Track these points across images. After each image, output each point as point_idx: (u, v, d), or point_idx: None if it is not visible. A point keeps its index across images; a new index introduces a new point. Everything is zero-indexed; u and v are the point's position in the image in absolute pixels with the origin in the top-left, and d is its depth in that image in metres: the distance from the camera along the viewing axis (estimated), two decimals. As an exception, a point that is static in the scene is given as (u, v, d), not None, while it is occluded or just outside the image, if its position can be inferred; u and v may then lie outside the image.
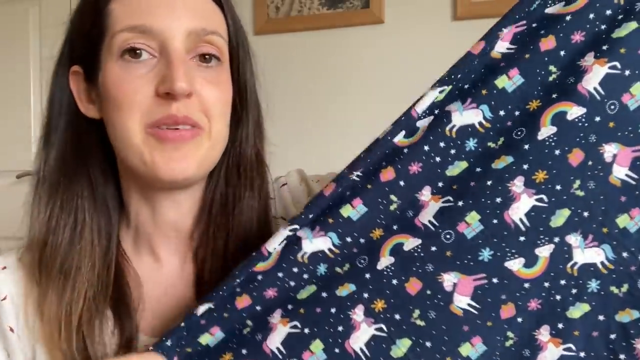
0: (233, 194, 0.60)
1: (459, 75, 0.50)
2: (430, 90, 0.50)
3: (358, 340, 0.46)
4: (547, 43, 0.47)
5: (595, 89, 0.45)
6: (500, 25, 0.50)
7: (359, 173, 0.49)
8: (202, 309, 0.49)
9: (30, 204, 0.60)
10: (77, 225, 0.57)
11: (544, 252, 0.45)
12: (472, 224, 0.46)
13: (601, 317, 0.45)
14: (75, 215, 0.57)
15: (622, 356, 0.44)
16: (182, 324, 0.49)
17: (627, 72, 0.44)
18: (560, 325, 0.45)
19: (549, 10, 0.48)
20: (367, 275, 0.47)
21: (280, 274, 0.49)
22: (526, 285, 0.45)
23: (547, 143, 0.45)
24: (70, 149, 0.58)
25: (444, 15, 1.51)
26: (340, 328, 0.46)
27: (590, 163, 0.45)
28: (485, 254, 0.46)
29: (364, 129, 1.70)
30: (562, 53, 0.47)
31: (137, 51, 0.52)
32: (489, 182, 0.46)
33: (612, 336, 0.45)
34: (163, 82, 0.51)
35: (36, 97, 1.86)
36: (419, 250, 0.47)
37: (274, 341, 0.47)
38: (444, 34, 1.51)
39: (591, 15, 0.46)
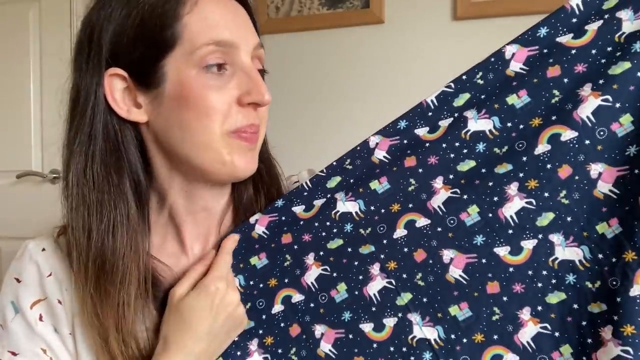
0: (260, 187, 0.69)
1: (474, 82, 0.59)
2: (443, 86, 0.60)
3: (372, 288, 0.60)
4: (554, 71, 0.56)
5: (587, 117, 0.53)
6: (506, 44, 0.58)
7: (386, 154, 0.62)
8: (258, 231, 0.64)
9: (73, 209, 0.60)
10: (129, 229, 0.60)
11: (528, 244, 0.55)
12: (472, 214, 0.57)
13: (575, 306, 0.53)
14: (126, 220, 0.60)
15: (589, 340, 0.52)
16: (239, 235, 0.64)
17: (617, 105, 0.53)
18: (539, 308, 0.54)
19: (559, 39, 0.56)
20: (385, 241, 0.60)
21: (316, 224, 0.63)
22: (511, 269, 0.56)
23: (542, 158, 0.55)
24: (112, 152, 0.60)
25: (444, 15, 1.51)
26: (360, 277, 0.60)
27: (577, 177, 0.54)
28: (479, 239, 0.57)
29: (363, 129, 1.70)
30: (565, 80, 0.55)
31: (223, 66, 0.58)
32: (490, 183, 0.57)
33: (583, 323, 0.53)
34: (249, 93, 0.59)
35: (36, 97, 1.86)
36: (427, 228, 0.59)
37: (310, 277, 0.62)
38: (444, 34, 1.51)
39: (594, 51, 0.54)
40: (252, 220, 0.65)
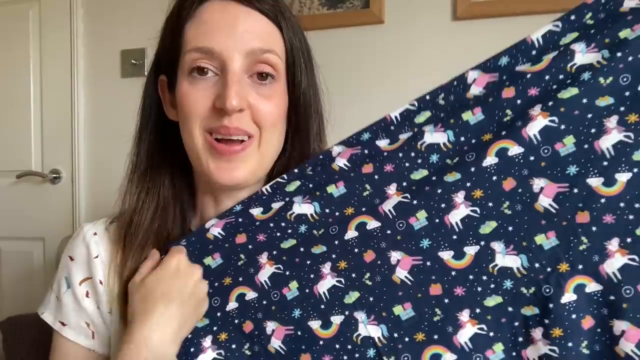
0: None
1: (435, 102, 0.62)
2: (407, 104, 0.64)
3: (323, 286, 0.62)
4: (509, 92, 0.59)
5: (534, 135, 0.57)
6: (469, 69, 0.62)
7: (346, 163, 0.64)
8: (213, 232, 0.65)
9: (125, 186, 0.71)
10: (158, 209, 0.68)
11: (471, 250, 0.59)
12: (420, 219, 0.60)
13: (510, 309, 0.58)
14: (157, 201, 0.69)
15: (520, 339, 0.57)
16: (194, 237, 0.66)
17: (562, 127, 0.57)
18: (477, 310, 0.58)
19: (519, 68, 0.60)
20: (336, 242, 0.62)
21: (271, 224, 0.64)
22: (453, 273, 0.59)
23: (489, 170, 0.58)
24: (157, 144, 0.71)
25: (444, 15, 1.51)
26: (312, 275, 0.62)
27: (520, 190, 0.58)
28: (425, 243, 0.60)
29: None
30: (518, 101, 0.59)
31: (204, 69, 0.62)
32: (439, 190, 0.60)
33: (516, 324, 0.57)
34: (219, 98, 0.61)
35: (36, 98, 1.86)
36: (377, 230, 0.62)
37: (263, 275, 0.64)
38: (444, 34, 1.51)
39: (547, 77, 0.58)
40: (207, 224, 0.66)
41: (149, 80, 0.72)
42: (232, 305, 0.64)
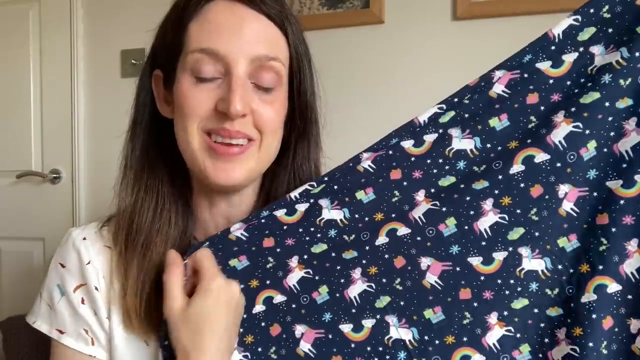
0: (283, 195, 0.69)
1: (461, 103, 0.63)
2: (433, 107, 0.64)
3: (353, 291, 0.63)
4: (533, 98, 0.61)
5: (560, 141, 0.59)
6: (494, 68, 0.63)
7: (372, 165, 0.64)
8: (236, 234, 0.65)
9: (119, 185, 0.69)
10: (158, 207, 0.67)
11: (499, 256, 0.60)
12: (449, 226, 0.62)
13: (536, 310, 0.59)
14: (156, 199, 0.67)
15: (546, 340, 0.58)
16: (217, 239, 0.65)
17: (587, 132, 0.58)
18: (505, 313, 0.59)
19: (538, 65, 0.61)
20: (367, 248, 0.63)
21: (300, 229, 0.65)
22: (482, 278, 0.60)
23: (516, 177, 0.60)
24: (152, 141, 0.69)
25: (444, 15, 1.51)
26: (342, 280, 0.63)
27: (547, 197, 0.59)
28: (455, 249, 0.61)
29: (363, 129, 1.70)
30: (542, 108, 0.60)
31: (207, 72, 0.61)
32: (467, 198, 0.61)
33: (542, 325, 0.59)
34: (222, 101, 0.60)
35: (36, 97, 1.86)
36: (407, 237, 0.63)
37: (292, 279, 0.64)
38: (444, 34, 1.51)
39: (568, 82, 0.60)
40: (231, 228, 0.66)
41: (144, 74, 0.70)
42: (258, 308, 0.64)
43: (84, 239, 0.69)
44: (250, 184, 0.69)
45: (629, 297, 0.56)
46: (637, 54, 0.56)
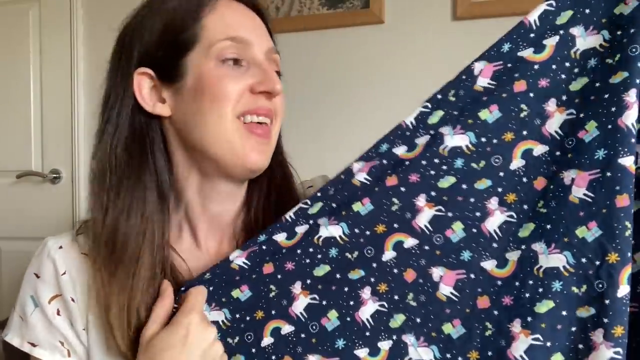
0: (273, 188, 0.71)
1: (447, 100, 0.61)
2: (419, 107, 0.62)
3: (365, 313, 0.59)
4: (520, 86, 0.58)
5: (555, 131, 0.57)
6: (474, 61, 0.61)
7: (367, 177, 0.62)
8: (237, 262, 0.62)
9: (97, 190, 0.65)
10: (146, 212, 0.64)
11: (513, 256, 0.56)
12: (457, 231, 0.58)
13: (564, 313, 0.53)
14: (142, 205, 0.64)
15: (580, 346, 0.52)
16: (219, 269, 0.62)
17: (581, 115, 0.56)
18: (529, 319, 0.54)
19: (520, 53, 0.59)
20: (374, 265, 0.60)
21: (299, 251, 0.62)
22: (499, 282, 0.56)
23: (518, 173, 0.58)
24: (136, 142, 0.65)
25: (444, 15, 1.51)
26: (351, 303, 0.59)
27: (551, 187, 0.56)
28: (466, 255, 0.58)
29: (363, 129, 1.69)
30: (531, 95, 0.58)
31: (238, 60, 0.63)
32: (471, 199, 0.58)
33: (573, 329, 0.53)
34: (262, 83, 0.63)
35: (36, 97, 1.86)
36: (415, 248, 0.59)
37: (298, 307, 0.61)
38: (444, 34, 1.51)
39: (554, 66, 0.58)
40: (231, 256, 0.63)
41: (119, 75, 0.66)
42: (267, 340, 0.61)
43: (60, 247, 0.67)
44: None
45: None
46: (618, 32, 0.55)
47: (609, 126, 0.54)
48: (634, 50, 0.54)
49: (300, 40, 1.60)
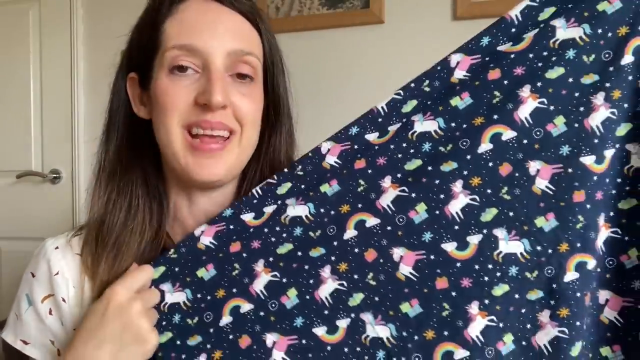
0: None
1: (421, 89, 0.63)
2: (392, 94, 0.64)
3: (324, 291, 0.59)
4: (494, 74, 0.59)
5: (526, 118, 0.58)
6: (451, 53, 0.62)
7: (337, 160, 0.63)
8: (204, 242, 0.63)
9: (92, 188, 0.69)
10: (131, 208, 0.66)
11: (474, 239, 0.57)
12: (420, 212, 0.59)
13: (517, 296, 0.56)
14: (130, 200, 0.67)
15: (528, 325, 0.56)
16: (184, 248, 0.63)
17: (551, 108, 0.57)
18: (486, 301, 0.56)
19: (500, 47, 0.60)
20: (335, 243, 0.60)
21: (265, 230, 0.62)
22: (458, 264, 0.57)
23: (484, 156, 0.58)
24: (126, 143, 0.69)
25: (444, 15, 1.51)
26: (311, 281, 0.60)
27: (517, 174, 0.57)
28: (427, 236, 0.58)
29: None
30: (505, 82, 0.59)
31: (185, 67, 0.62)
32: (436, 181, 0.59)
33: (523, 310, 0.56)
34: (202, 94, 0.61)
35: (36, 97, 1.86)
36: (377, 228, 0.60)
37: (258, 285, 0.61)
38: (444, 34, 1.51)
39: (531, 55, 0.59)
40: (196, 232, 0.63)
41: (117, 78, 0.70)
42: (225, 319, 0.61)
43: (56, 248, 0.68)
44: (231, 180, 0.69)
45: (599, 270, 0.56)
46: (599, 30, 0.56)
47: (576, 125, 0.57)
48: (607, 55, 0.57)
49: (300, 40, 1.60)
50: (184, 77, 0.62)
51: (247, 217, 0.63)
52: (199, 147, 0.62)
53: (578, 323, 0.55)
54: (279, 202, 0.63)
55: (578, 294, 0.55)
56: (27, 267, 0.70)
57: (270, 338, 0.59)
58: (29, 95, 1.86)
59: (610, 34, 0.56)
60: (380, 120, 0.63)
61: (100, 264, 0.64)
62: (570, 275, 0.55)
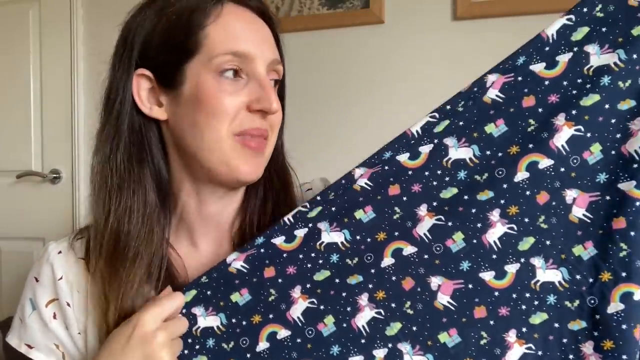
0: (270, 193, 0.72)
1: (455, 110, 0.62)
2: (426, 116, 0.63)
3: (361, 319, 0.59)
4: (529, 101, 0.59)
5: (562, 146, 0.57)
6: (487, 72, 0.61)
7: (368, 182, 0.62)
8: (235, 266, 0.62)
9: (96, 194, 0.66)
10: (146, 213, 0.64)
11: (512, 268, 0.58)
12: (457, 241, 0.59)
13: (556, 325, 0.56)
14: (143, 206, 0.64)
15: (570, 356, 0.56)
16: (216, 273, 0.62)
17: (588, 135, 0.57)
18: (524, 329, 0.56)
19: (532, 67, 0.60)
20: (373, 271, 0.60)
21: (300, 256, 0.62)
22: (496, 293, 0.57)
23: (521, 185, 0.58)
24: (135, 144, 0.66)
25: (444, 15, 1.51)
26: (348, 308, 0.60)
27: (554, 203, 0.57)
28: (465, 265, 0.58)
29: (363, 129, 1.69)
30: (540, 110, 0.59)
31: (236, 73, 0.63)
32: (473, 210, 0.59)
33: (564, 340, 0.56)
34: (259, 101, 0.63)
35: (36, 97, 1.86)
36: (414, 256, 0.60)
37: (296, 311, 0.61)
38: (444, 34, 1.51)
39: (565, 82, 0.58)
40: (228, 259, 0.63)
41: (118, 72, 0.66)
42: (262, 345, 0.60)
43: (59, 252, 0.68)
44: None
45: None
46: (634, 56, 0.56)
47: (612, 152, 0.56)
48: None
49: (300, 40, 1.60)
50: (234, 82, 0.63)
51: (278, 241, 0.63)
52: (252, 146, 0.64)
53: (625, 357, 0.53)
54: (310, 225, 0.63)
55: (624, 326, 0.53)
56: (30, 272, 0.69)
57: None
58: (29, 95, 1.86)
59: None
60: (413, 142, 0.62)
61: (115, 277, 0.62)
62: (615, 306, 0.54)
